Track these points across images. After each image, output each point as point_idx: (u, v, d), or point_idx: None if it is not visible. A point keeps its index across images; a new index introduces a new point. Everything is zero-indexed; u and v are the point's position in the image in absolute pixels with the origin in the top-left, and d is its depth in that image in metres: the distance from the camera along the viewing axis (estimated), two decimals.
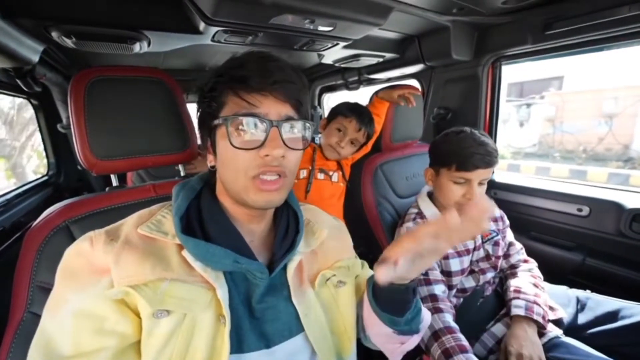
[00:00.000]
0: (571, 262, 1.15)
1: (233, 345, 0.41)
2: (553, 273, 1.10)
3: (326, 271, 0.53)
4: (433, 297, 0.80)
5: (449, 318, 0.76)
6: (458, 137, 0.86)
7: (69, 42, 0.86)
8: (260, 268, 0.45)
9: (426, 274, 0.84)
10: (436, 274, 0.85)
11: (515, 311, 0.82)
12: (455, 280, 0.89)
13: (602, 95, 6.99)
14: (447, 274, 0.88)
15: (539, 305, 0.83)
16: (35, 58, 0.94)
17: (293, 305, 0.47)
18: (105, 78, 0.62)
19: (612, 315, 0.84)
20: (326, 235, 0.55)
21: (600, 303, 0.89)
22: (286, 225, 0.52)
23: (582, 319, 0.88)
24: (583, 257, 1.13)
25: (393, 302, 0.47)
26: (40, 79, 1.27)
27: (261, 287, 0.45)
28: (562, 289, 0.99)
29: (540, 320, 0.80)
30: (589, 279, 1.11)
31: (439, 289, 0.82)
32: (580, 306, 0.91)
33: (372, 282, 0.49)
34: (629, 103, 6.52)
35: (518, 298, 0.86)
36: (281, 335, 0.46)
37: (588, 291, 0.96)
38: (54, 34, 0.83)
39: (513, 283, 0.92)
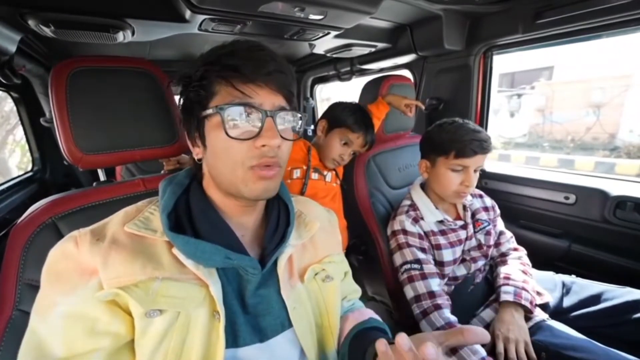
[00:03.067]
0: (558, 249, 1.19)
1: (228, 340, 0.41)
2: (540, 259, 1.14)
3: (316, 265, 0.53)
4: (431, 294, 0.82)
5: (447, 313, 0.79)
6: (454, 126, 0.88)
7: (47, 31, 0.82)
8: (252, 264, 0.44)
9: (421, 268, 0.85)
10: (431, 267, 0.86)
11: (504, 297, 0.85)
12: (448, 269, 0.91)
13: (590, 85, 7.10)
14: (439, 264, 0.90)
15: (527, 291, 0.86)
16: (12, 48, 0.90)
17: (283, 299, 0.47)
18: (88, 69, 0.60)
19: (595, 298, 0.87)
20: (318, 227, 0.55)
21: (584, 287, 0.92)
22: (277, 218, 0.52)
23: (567, 302, 0.92)
24: (569, 243, 1.16)
25: (355, 357, 0.48)
26: (20, 71, 1.21)
27: (253, 283, 0.45)
28: (549, 274, 1.02)
29: (527, 305, 0.83)
30: (574, 264, 1.15)
31: (435, 284, 0.84)
32: (566, 290, 0.95)
33: (364, 327, 0.53)
34: (615, 93, 6.64)
35: (507, 284, 0.88)
36: (274, 329, 0.46)
37: (573, 276, 0.99)
38: (31, 22, 0.79)
39: (503, 270, 0.94)
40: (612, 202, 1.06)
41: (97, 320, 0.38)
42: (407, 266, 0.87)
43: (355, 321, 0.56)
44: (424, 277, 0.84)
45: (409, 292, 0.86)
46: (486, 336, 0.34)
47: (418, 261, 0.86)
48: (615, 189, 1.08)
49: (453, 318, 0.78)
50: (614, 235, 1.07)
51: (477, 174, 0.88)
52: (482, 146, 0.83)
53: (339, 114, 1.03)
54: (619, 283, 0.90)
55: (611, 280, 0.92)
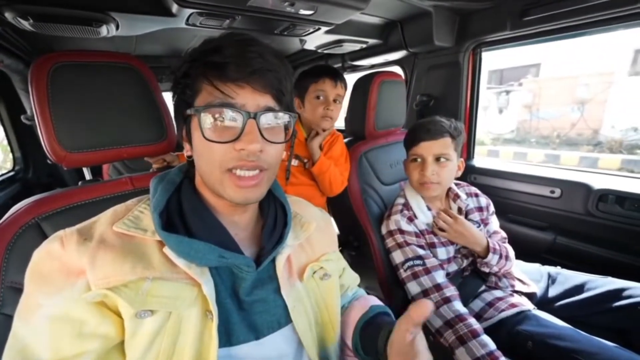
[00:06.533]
0: (544, 241, 1.22)
1: (222, 339, 0.41)
2: (527, 252, 1.17)
3: (314, 264, 0.53)
4: (438, 287, 0.83)
5: (458, 305, 0.80)
6: (417, 122, 0.92)
7: (26, 25, 0.79)
8: (247, 262, 0.44)
9: (424, 263, 0.86)
10: (433, 261, 0.88)
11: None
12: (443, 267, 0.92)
13: (576, 81, 7.28)
14: None
15: (499, 248, 0.91)
16: None
17: (282, 297, 0.47)
18: (70, 64, 0.58)
19: (579, 288, 0.91)
20: (314, 228, 0.56)
21: (568, 277, 0.95)
22: (274, 218, 0.52)
23: (552, 292, 0.95)
24: (555, 236, 1.20)
25: (366, 347, 0.52)
26: None
27: (248, 280, 0.45)
28: (535, 266, 1.05)
29: (479, 248, 0.89)
30: (559, 256, 1.19)
31: (440, 276, 0.85)
32: (551, 281, 0.98)
33: (372, 315, 0.55)
34: (599, 89, 6.83)
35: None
36: (270, 327, 0.46)
37: (558, 267, 1.02)
38: (8, 15, 0.75)
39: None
40: (595, 195, 1.10)
41: (85, 323, 0.37)
42: (410, 263, 0.87)
43: (361, 310, 0.57)
44: (427, 271, 0.85)
45: (414, 287, 0.86)
46: (428, 305, 0.39)
47: (420, 257, 0.87)
48: (598, 182, 1.11)
49: (463, 310, 0.80)
50: (596, 228, 1.11)
51: (449, 167, 0.89)
52: (427, 129, 0.86)
53: (299, 81, 1.10)
54: (601, 273, 0.93)
55: (594, 270, 0.96)
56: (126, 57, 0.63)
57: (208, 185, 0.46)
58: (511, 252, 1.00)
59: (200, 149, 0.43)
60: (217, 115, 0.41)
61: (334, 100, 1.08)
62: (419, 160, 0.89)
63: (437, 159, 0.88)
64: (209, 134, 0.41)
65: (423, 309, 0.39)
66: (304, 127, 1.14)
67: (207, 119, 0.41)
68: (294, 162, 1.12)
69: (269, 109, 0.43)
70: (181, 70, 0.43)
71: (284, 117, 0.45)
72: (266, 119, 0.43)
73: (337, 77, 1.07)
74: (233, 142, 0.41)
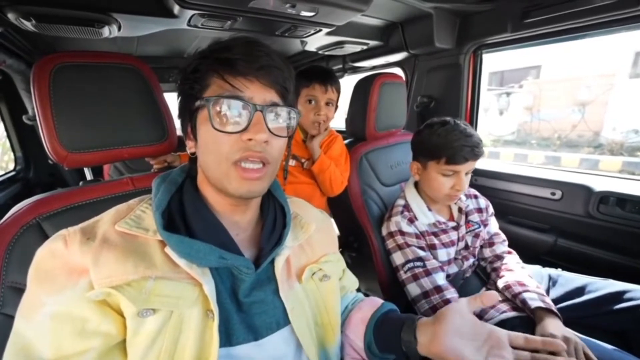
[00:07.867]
0: (545, 243, 1.22)
1: (222, 339, 0.41)
2: (528, 254, 1.16)
3: (313, 265, 0.53)
4: (438, 289, 0.82)
5: None
6: (445, 130, 0.87)
7: (28, 25, 0.79)
8: (246, 264, 0.44)
9: (424, 265, 0.86)
10: (433, 263, 0.87)
11: (533, 303, 0.81)
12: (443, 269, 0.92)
13: (577, 83, 7.27)
14: None
15: (544, 296, 0.84)
16: None
17: (280, 299, 0.47)
18: (72, 65, 0.58)
19: (579, 291, 0.90)
20: (314, 229, 0.56)
21: (569, 280, 0.95)
22: (273, 219, 0.52)
23: (553, 294, 0.94)
24: (555, 238, 1.20)
25: (384, 344, 0.51)
26: (0, 66, 1.17)
27: (247, 282, 0.45)
28: (536, 268, 1.05)
29: (554, 309, 0.80)
30: (560, 258, 1.18)
31: (440, 278, 0.85)
32: (552, 283, 0.98)
33: (384, 311, 0.56)
34: (600, 91, 6.83)
35: (528, 291, 0.85)
36: (269, 328, 0.46)
37: (559, 269, 1.02)
38: (10, 16, 0.76)
39: (513, 277, 0.91)
40: (595, 198, 1.09)
41: (87, 321, 0.37)
42: (410, 264, 0.87)
43: (372, 308, 0.57)
44: (428, 273, 0.85)
45: (414, 289, 0.86)
46: (495, 296, 0.48)
47: (420, 259, 0.87)
48: (599, 184, 1.11)
49: None
50: (597, 230, 1.11)
51: (469, 176, 0.89)
52: (474, 152, 0.84)
53: None
54: (602, 275, 0.93)
55: (595, 272, 0.95)
56: (128, 57, 0.64)
57: (212, 181, 0.46)
58: (515, 258, 1.00)
59: (208, 141, 0.44)
60: (226, 107, 0.42)
61: (327, 104, 1.09)
62: (450, 174, 0.87)
63: (467, 173, 0.88)
64: (218, 124, 0.42)
65: (492, 297, 0.47)
66: (300, 128, 1.15)
67: (216, 110, 0.42)
68: (292, 162, 1.12)
69: (275, 104, 0.44)
70: (191, 67, 0.45)
71: (288, 112, 0.46)
72: (272, 113, 0.44)
73: (327, 81, 1.06)
74: (241, 133, 0.42)
